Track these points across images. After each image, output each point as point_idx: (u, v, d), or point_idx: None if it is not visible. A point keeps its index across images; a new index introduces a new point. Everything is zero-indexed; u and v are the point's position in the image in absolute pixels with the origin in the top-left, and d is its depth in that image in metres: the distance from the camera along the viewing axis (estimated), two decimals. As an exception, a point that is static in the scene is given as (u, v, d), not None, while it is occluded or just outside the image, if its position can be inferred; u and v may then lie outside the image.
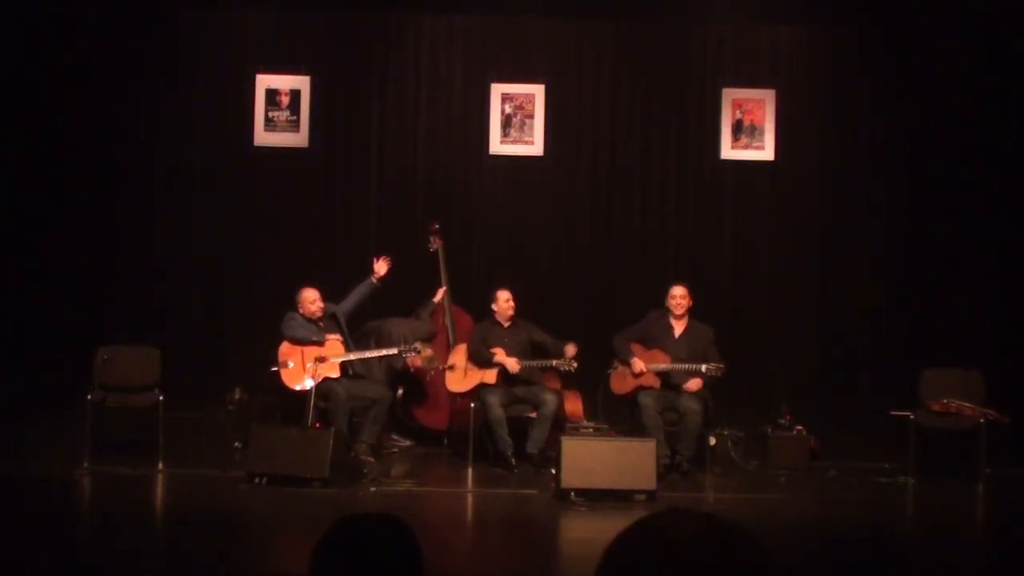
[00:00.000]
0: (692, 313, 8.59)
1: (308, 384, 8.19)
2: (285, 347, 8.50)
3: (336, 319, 8.73)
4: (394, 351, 8.73)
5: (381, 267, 8.98)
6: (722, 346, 8.56)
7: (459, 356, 8.66)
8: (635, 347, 8.43)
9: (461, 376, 8.59)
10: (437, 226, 9.49)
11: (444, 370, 8.77)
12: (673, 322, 8.50)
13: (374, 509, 2.33)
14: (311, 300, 8.62)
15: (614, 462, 7.45)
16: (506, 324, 8.64)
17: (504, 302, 8.64)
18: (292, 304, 8.70)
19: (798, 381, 10.52)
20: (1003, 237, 10.67)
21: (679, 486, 7.86)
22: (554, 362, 8.37)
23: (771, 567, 1.47)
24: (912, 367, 8.72)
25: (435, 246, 9.37)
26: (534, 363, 8.47)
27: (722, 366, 8.16)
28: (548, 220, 11.22)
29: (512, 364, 8.37)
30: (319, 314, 8.62)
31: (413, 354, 8.75)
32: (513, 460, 8.17)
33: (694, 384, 8.20)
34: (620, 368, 8.41)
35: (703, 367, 8.16)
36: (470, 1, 11.27)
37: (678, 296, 8.50)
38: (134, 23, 10.95)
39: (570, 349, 8.44)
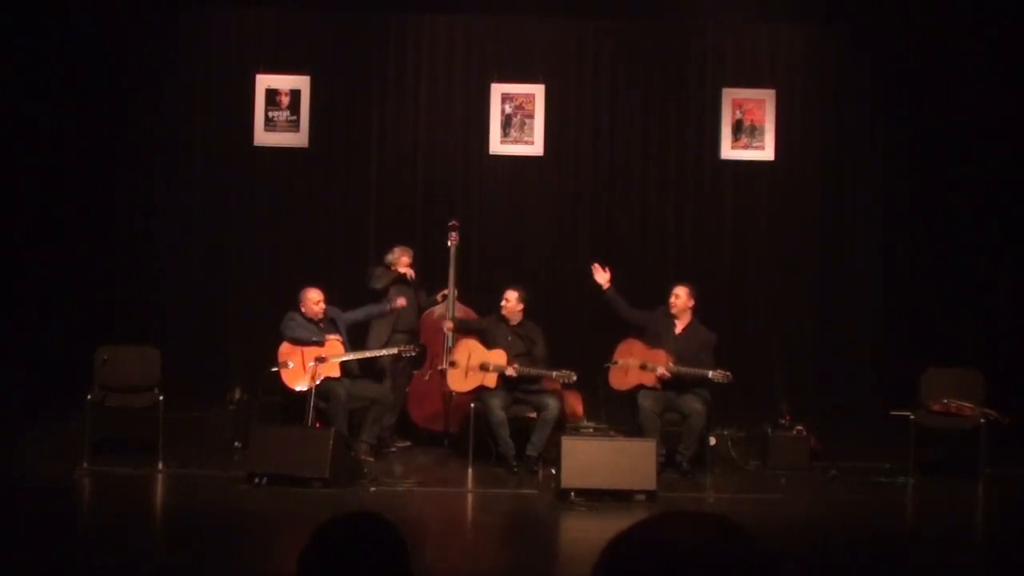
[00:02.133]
0: (698, 316, 8.58)
1: (306, 387, 8.18)
2: (285, 347, 8.48)
3: (335, 323, 8.69)
4: (394, 351, 8.73)
5: (401, 302, 8.90)
6: (722, 349, 8.52)
7: (462, 354, 8.60)
8: (639, 345, 8.41)
9: (462, 375, 8.53)
10: (454, 222, 9.42)
11: (448, 367, 8.69)
12: (676, 320, 8.51)
13: (366, 509, 2.34)
14: (314, 300, 8.61)
15: (614, 462, 7.45)
16: (513, 323, 8.62)
17: (510, 302, 8.61)
18: (293, 304, 8.69)
19: (798, 381, 10.52)
20: (1003, 237, 10.67)
21: (679, 486, 7.85)
22: (554, 374, 8.30)
23: (773, 568, 1.46)
24: (912, 367, 8.71)
25: (450, 243, 9.31)
26: (532, 371, 8.39)
27: (728, 374, 8.12)
28: (548, 220, 11.23)
29: (509, 371, 8.31)
30: (321, 315, 8.62)
31: (411, 355, 8.76)
32: (515, 463, 8.16)
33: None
34: (620, 363, 8.39)
35: (709, 373, 8.13)
36: (470, 1, 11.27)
37: (674, 294, 8.52)
38: (135, 23, 10.95)
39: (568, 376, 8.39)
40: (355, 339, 8.92)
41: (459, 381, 8.54)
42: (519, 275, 10.00)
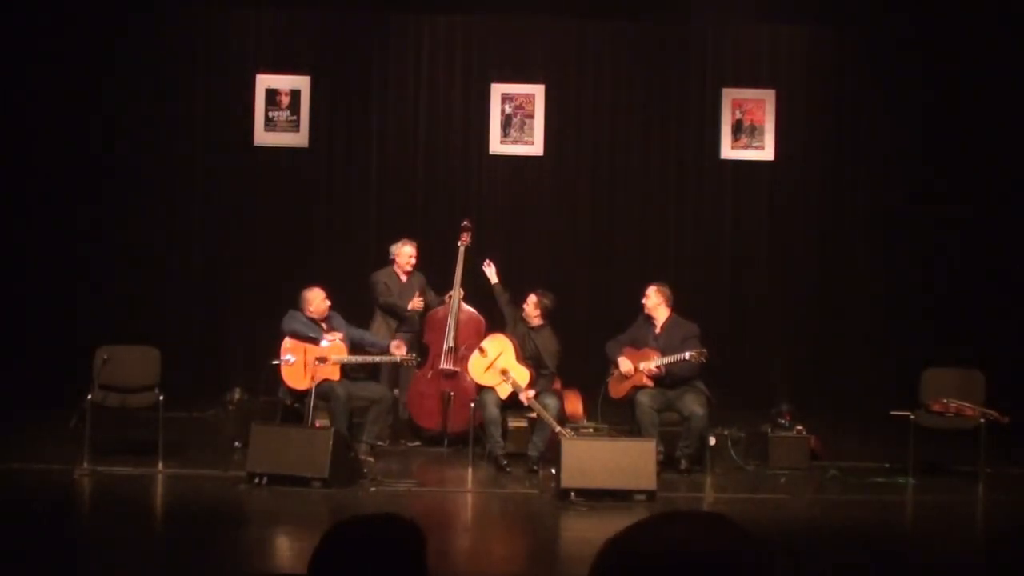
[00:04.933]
0: (684, 312, 8.58)
1: (306, 386, 8.16)
2: (287, 343, 8.44)
3: (335, 323, 8.65)
4: (396, 359, 8.70)
5: (400, 348, 8.76)
6: (723, 349, 8.52)
7: (495, 348, 8.53)
8: (628, 350, 8.41)
9: (483, 368, 8.44)
10: (466, 223, 9.37)
11: (477, 352, 8.58)
12: (654, 320, 8.52)
13: (375, 509, 2.33)
14: (322, 298, 8.58)
15: (614, 462, 7.44)
16: (531, 325, 8.63)
17: (528, 306, 8.63)
18: (293, 304, 8.66)
19: (798, 381, 10.52)
20: (1003, 237, 10.67)
21: (679, 486, 7.85)
22: (558, 428, 7.93)
23: (768, 566, 1.46)
24: (912, 367, 8.71)
25: (460, 243, 9.27)
26: (542, 414, 8.09)
27: (704, 350, 8.11)
28: (548, 220, 11.23)
29: (523, 397, 8.26)
30: (324, 313, 8.58)
31: (412, 365, 8.75)
32: (504, 461, 8.14)
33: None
34: (617, 373, 8.39)
35: (686, 355, 8.12)
36: (470, 1, 11.28)
37: (644, 295, 8.55)
38: (135, 23, 10.95)
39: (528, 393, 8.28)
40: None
41: (479, 370, 8.50)
42: (519, 276, 10.00)
